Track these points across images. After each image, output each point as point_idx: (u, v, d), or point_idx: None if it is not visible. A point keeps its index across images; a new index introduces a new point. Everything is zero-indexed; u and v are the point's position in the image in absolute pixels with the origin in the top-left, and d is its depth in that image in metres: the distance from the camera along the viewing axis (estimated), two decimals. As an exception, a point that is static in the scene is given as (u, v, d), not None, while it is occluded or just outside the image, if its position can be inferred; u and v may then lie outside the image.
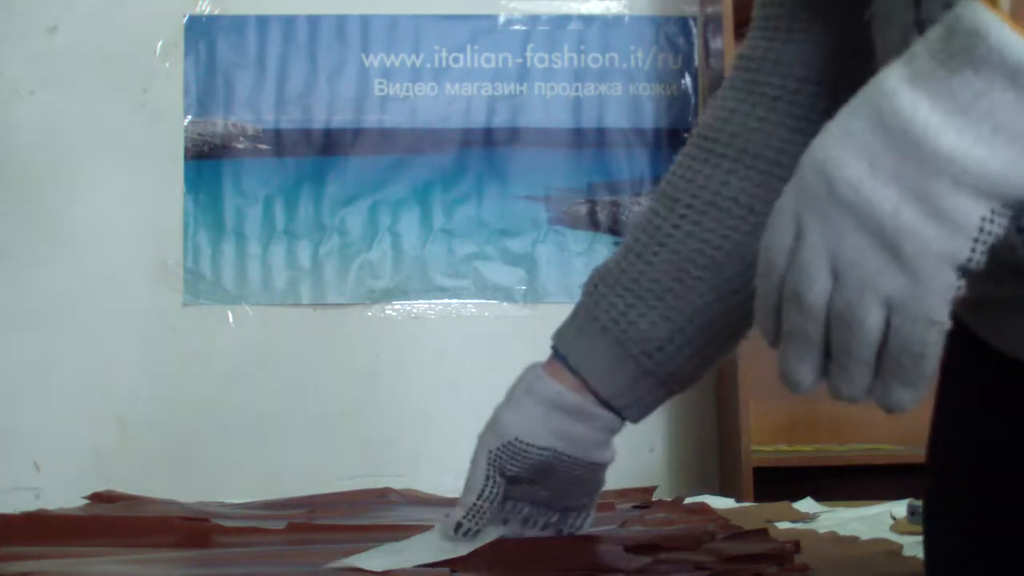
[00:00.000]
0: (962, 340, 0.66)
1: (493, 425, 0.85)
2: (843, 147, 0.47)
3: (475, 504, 0.84)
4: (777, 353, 0.50)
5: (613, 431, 0.86)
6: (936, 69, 0.45)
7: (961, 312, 0.65)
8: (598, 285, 0.85)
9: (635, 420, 0.87)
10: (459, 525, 0.84)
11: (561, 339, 0.87)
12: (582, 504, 0.89)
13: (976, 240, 0.45)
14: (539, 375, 0.85)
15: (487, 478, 0.84)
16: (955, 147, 0.44)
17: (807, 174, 0.48)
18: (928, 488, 0.71)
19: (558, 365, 0.85)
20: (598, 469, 0.87)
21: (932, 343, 0.47)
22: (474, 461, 0.86)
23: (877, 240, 0.46)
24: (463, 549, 0.82)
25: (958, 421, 0.69)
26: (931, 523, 0.70)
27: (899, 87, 0.46)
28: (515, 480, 0.84)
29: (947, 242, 0.45)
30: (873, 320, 0.46)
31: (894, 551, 0.90)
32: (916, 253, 0.45)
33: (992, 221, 0.45)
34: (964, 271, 0.46)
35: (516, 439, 0.83)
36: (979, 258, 0.45)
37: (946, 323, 0.47)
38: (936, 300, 0.46)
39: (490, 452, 0.84)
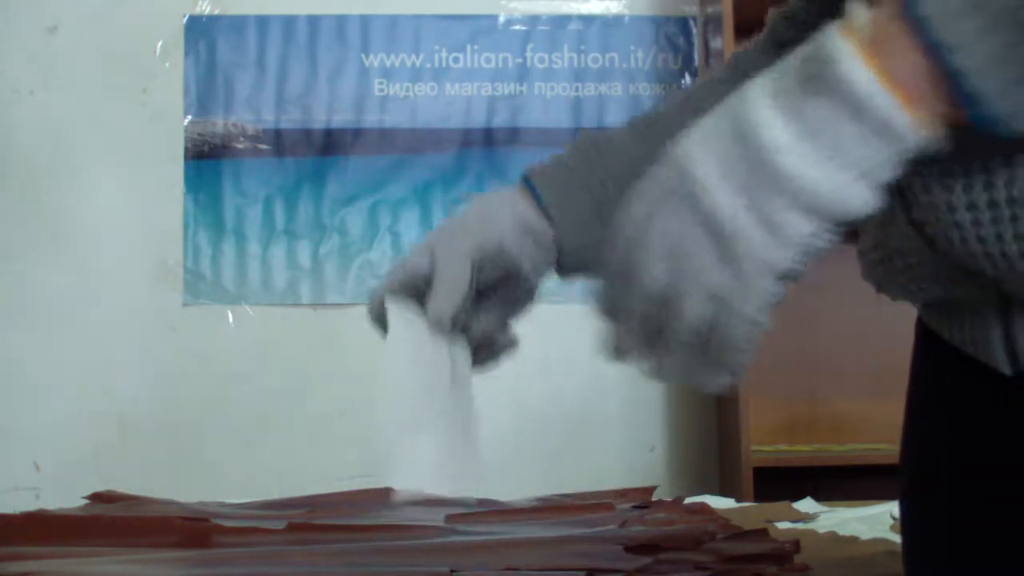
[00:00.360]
0: (929, 343, 0.66)
1: (470, 232, 0.77)
2: (703, 146, 0.51)
3: (459, 306, 0.76)
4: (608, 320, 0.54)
5: (546, 274, 0.82)
6: (795, 89, 0.48)
7: (928, 316, 0.66)
8: (591, 150, 0.79)
9: (563, 273, 0.82)
10: (454, 322, 0.78)
11: (539, 179, 0.80)
12: (509, 340, 0.88)
13: (798, 252, 0.49)
14: (517, 199, 0.79)
15: (471, 283, 0.77)
16: (796, 169, 0.48)
17: (668, 164, 0.52)
18: (902, 490, 0.71)
19: (530, 199, 0.79)
20: (528, 299, 0.84)
21: (750, 340, 0.52)
22: (446, 262, 0.76)
23: (714, 239, 0.50)
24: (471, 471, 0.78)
25: (927, 423, 0.69)
26: (906, 524, 0.70)
27: (761, 101, 0.49)
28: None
29: (772, 251, 0.49)
30: (698, 310, 0.51)
31: (894, 551, 0.90)
32: (744, 255, 0.49)
33: (815, 237, 0.49)
34: (783, 279, 0.50)
35: (503, 248, 0.77)
36: (798, 268, 0.50)
37: (765, 323, 0.51)
38: (756, 302, 0.50)
39: (474, 260, 0.76)
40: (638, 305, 0.52)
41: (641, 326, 0.53)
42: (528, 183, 0.79)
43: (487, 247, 0.75)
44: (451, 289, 0.75)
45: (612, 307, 0.54)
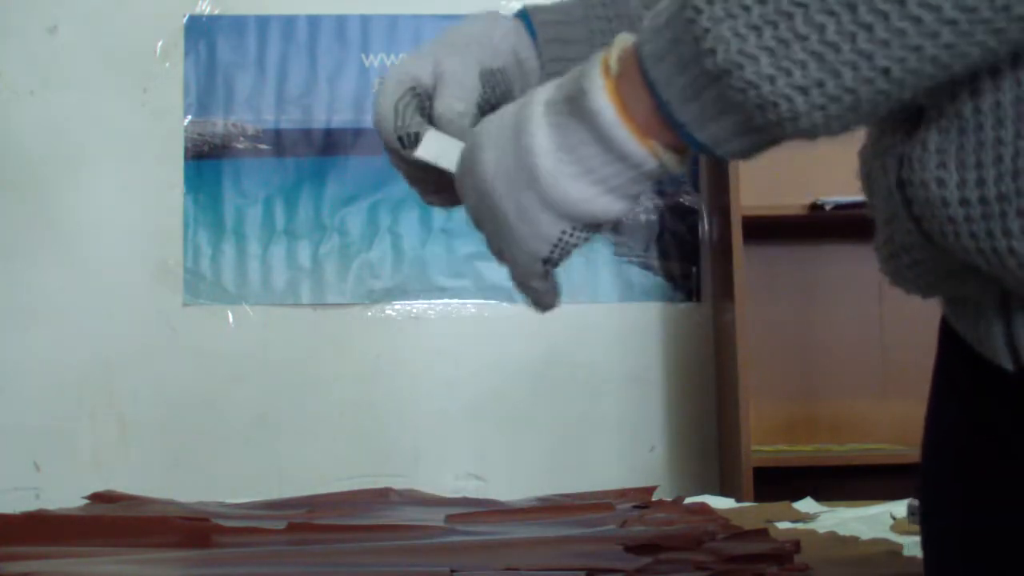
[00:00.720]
0: (948, 340, 0.66)
1: (472, 46, 0.73)
2: (491, 135, 0.60)
3: (469, 103, 0.72)
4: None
5: None
6: (563, 106, 0.56)
7: (946, 311, 0.66)
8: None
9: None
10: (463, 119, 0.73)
11: (538, 16, 0.75)
12: None
13: (555, 247, 0.59)
14: (513, 28, 0.75)
15: (479, 90, 0.73)
16: (551, 177, 0.56)
17: (466, 149, 0.63)
18: (921, 490, 0.71)
19: (525, 33, 0.75)
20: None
21: (531, 294, 0.64)
22: (453, 66, 0.72)
23: (494, 216, 0.61)
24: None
25: (942, 420, 0.69)
26: (925, 524, 0.70)
27: (538, 107, 0.57)
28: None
29: (531, 242, 0.59)
30: (499, 259, 0.64)
31: (894, 551, 0.90)
32: (512, 240, 0.60)
33: (570, 235, 0.59)
34: (547, 263, 0.61)
35: (503, 69, 0.74)
36: (559, 258, 0.60)
37: (540, 287, 0.63)
38: (525, 271, 0.62)
39: (481, 69, 0.73)
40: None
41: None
42: (525, 19, 0.76)
43: (489, 64, 0.74)
44: (461, 88, 0.72)
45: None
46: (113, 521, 1.02)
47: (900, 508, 1.16)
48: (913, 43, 0.49)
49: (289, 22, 2.45)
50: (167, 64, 2.44)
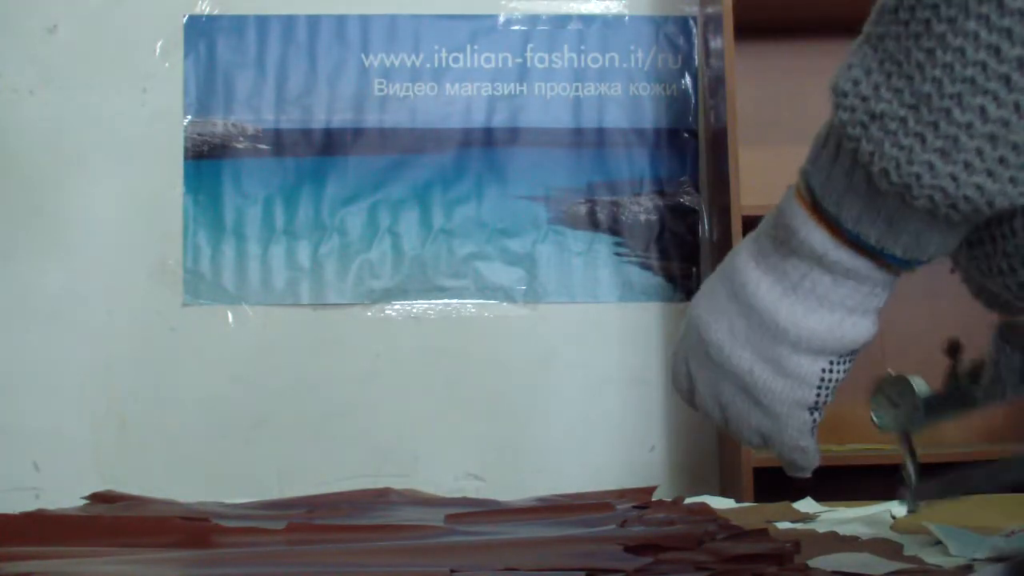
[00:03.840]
0: None
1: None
2: (709, 311, 0.61)
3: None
4: None
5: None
6: (773, 253, 0.58)
7: None
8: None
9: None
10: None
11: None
12: None
13: (819, 388, 0.59)
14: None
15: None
16: (790, 319, 0.57)
17: (689, 329, 0.62)
18: None
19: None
20: None
21: (800, 458, 0.62)
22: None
23: (742, 390, 0.60)
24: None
25: None
26: None
27: (747, 264, 0.59)
28: None
29: (795, 392, 0.59)
30: (754, 441, 0.63)
31: (894, 550, 0.90)
32: (772, 402, 0.60)
33: (831, 371, 0.59)
34: (814, 410, 0.60)
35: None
36: (826, 398, 0.60)
37: (809, 445, 0.62)
38: (794, 433, 0.61)
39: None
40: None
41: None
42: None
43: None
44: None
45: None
46: (113, 521, 1.02)
47: (900, 508, 1.16)
48: None
49: (289, 22, 2.45)
50: (167, 64, 2.44)
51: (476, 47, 2.47)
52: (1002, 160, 0.50)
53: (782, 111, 2.37)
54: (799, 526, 1.09)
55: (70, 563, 0.81)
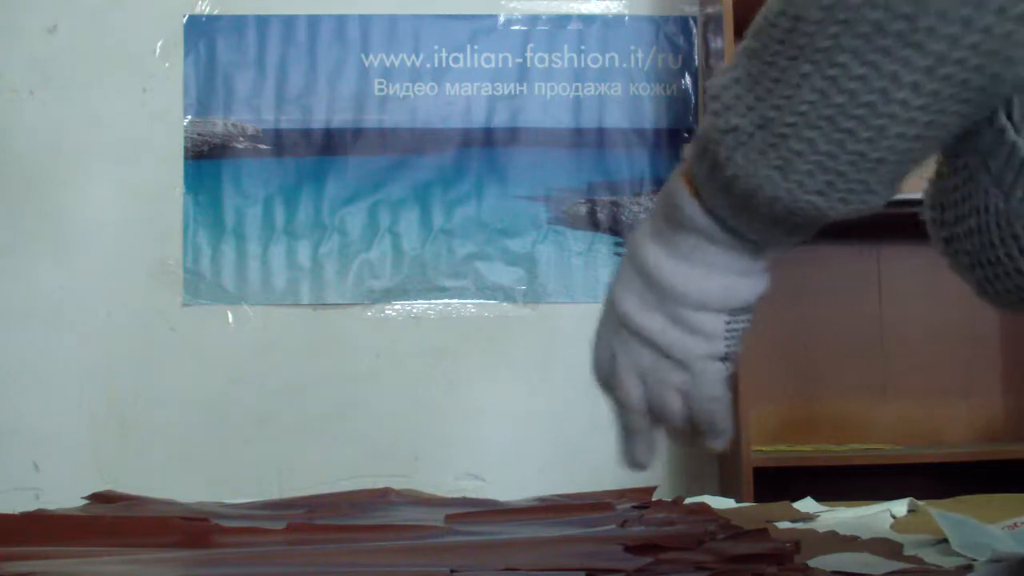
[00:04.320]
0: None
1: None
2: (619, 288, 0.67)
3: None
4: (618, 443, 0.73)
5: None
6: (665, 228, 0.65)
7: None
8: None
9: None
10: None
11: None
12: None
13: (726, 339, 0.66)
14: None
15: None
16: (687, 284, 0.64)
17: (606, 310, 0.68)
18: None
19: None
20: None
21: (719, 410, 0.68)
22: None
23: (659, 352, 0.66)
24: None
25: None
26: None
27: (644, 240, 0.66)
28: None
29: (705, 346, 0.65)
30: (675, 404, 0.69)
31: (894, 551, 0.90)
32: (687, 357, 0.66)
33: (733, 323, 0.66)
34: (726, 360, 0.66)
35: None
36: (735, 348, 0.66)
37: (726, 395, 0.67)
38: (711, 384, 0.66)
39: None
40: (638, 423, 0.72)
41: (646, 436, 0.73)
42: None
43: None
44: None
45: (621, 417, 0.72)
46: (113, 521, 1.02)
47: (900, 508, 1.16)
48: (895, 132, 0.55)
49: (289, 22, 2.45)
50: (167, 64, 2.44)
51: (476, 47, 2.47)
52: (830, 184, 0.57)
53: (782, 111, 2.36)
54: (799, 526, 1.09)
55: (70, 563, 0.81)
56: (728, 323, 0.66)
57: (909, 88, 0.54)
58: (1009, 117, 0.58)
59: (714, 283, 0.64)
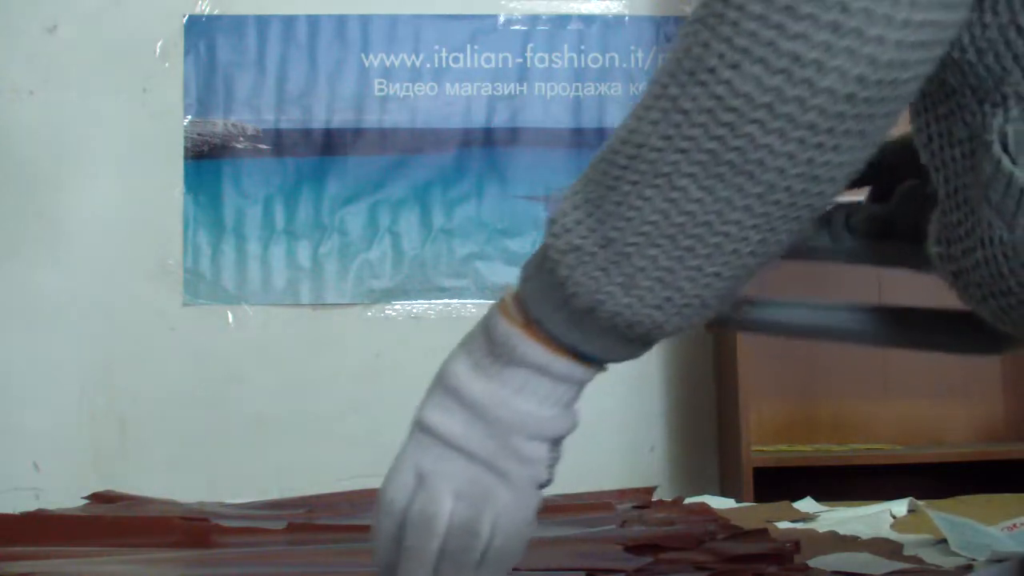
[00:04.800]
0: None
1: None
2: (443, 417, 0.68)
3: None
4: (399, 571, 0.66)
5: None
6: (492, 364, 0.66)
7: None
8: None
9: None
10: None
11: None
12: None
13: (548, 467, 0.67)
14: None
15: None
16: (520, 415, 0.65)
17: (420, 435, 0.70)
18: None
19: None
20: None
21: (523, 541, 0.67)
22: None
23: (487, 468, 0.66)
24: None
25: None
26: None
27: (470, 378, 0.67)
28: None
29: (531, 471, 0.66)
30: (486, 528, 0.66)
31: (894, 551, 0.90)
32: (517, 480, 0.66)
33: (553, 453, 0.67)
34: (542, 486, 0.67)
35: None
36: (551, 474, 0.68)
37: (534, 525, 0.67)
38: (529, 511, 0.67)
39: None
40: (430, 546, 0.66)
41: (430, 565, 0.66)
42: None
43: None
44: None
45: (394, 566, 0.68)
46: (113, 521, 1.02)
47: (900, 507, 1.16)
48: (730, 249, 0.60)
49: (289, 22, 2.45)
50: (167, 64, 2.44)
51: (476, 47, 2.47)
52: (668, 299, 0.62)
53: (782, 111, 2.36)
54: (799, 526, 1.09)
55: (70, 563, 0.81)
56: (551, 452, 0.67)
57: (742, 210, 0.59)
58: (1005, 148, 0.59)
59: (545, 414, 0.66)
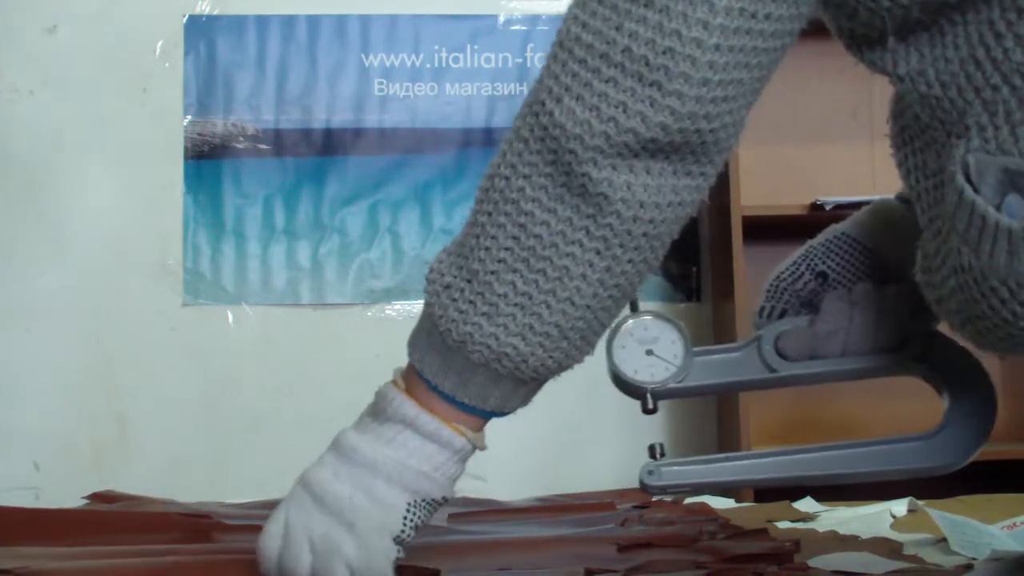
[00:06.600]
0: None
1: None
2: (318, 467, 0.72)
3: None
4: None
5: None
6: (371, 422, 0.71)
7: None
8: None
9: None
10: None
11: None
12: None
13: (405, 519, 0.68)
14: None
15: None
16: (382, 459, 0.68)
17: (296, 487, 0.72)
18: None
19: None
20: None
21: None
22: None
23: (338, 519, 0.68)
24: None
25: None
26: None
27: (349, 433, 0.72)
28: None
29: (385, 518, 0.67)
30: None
31: (894, 550, 0.90)
32: (364, 527, 0.67)
33: (416, 506, 0.68)
34: (400, 542, 0.68)
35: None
36: (410, 532, 0.69)
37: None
38: (381, 562, 0.67)
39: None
40: None
41: None
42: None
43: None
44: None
45: None
46: (113, 519, 1.02)
47: (900, 507, 1.16)
48: (578, 273, 0.64)
49: (289, 22, 2.45)
50: (167, 64, 2.44)
51: (476, 47, 2.47)
52: (530, 327, 0.65)
53: (781, 111, 2.36)
54: (799, 526, 1.09)
55: (70, 563, 0.81)
56: (411, 505, 0.68)
57: (582, 232, 0.63)
58: (968, 178, 0.62)
59: (410, 463, 0.68)
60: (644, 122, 0.60)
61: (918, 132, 0.68)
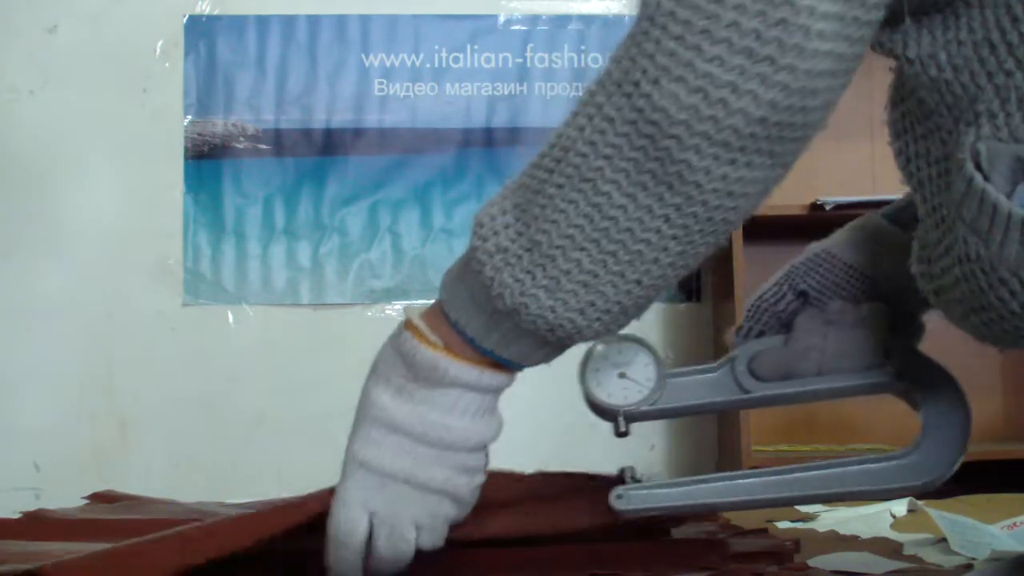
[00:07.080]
0: None
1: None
2: (378, 450, 0.71)
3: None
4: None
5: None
6: (418, 388, 0.70)
7: None
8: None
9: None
10: None
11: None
12: None
13: (483, 472, 0.73)
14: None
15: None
16: (459, 431, 0.70)
17: (361, 478, 0.71)
18: None
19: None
20: None
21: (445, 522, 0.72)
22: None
23: (443, 498, 0.70)
24: None
25: None
26: None
27: (397, 406, 0.71)
28: None
29: (478, 479, 0.73)
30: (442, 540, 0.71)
31: (894, 550, 0.90)
32: (466, 494, 0.72)
33: (486, 457, 0.73)
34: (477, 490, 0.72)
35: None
36: (484, 476, 0.74)
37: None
38: (443, 521, 0.71)
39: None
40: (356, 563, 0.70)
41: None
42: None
43: None
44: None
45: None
46: (112, 520, 1.02)
47: (900, 507, 1.16)
48: (651, 257, 0.63)
49: (289, 22, 2.45)
50: (167, 64, 2.44)
51: (476, 47, 2.47)
52: (592, 303, 0.64)
53: (782, 111, 2.36)
54: (799, 525, 1.09)
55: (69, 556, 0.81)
56: (486, 457, 0.73)
57: (662, 220, 0.61)
58: (978, 166, 0.60)
59: (481, 426, 0.71)
60: (755, 100, 0.57)
61: (921, 118, 0.67)
